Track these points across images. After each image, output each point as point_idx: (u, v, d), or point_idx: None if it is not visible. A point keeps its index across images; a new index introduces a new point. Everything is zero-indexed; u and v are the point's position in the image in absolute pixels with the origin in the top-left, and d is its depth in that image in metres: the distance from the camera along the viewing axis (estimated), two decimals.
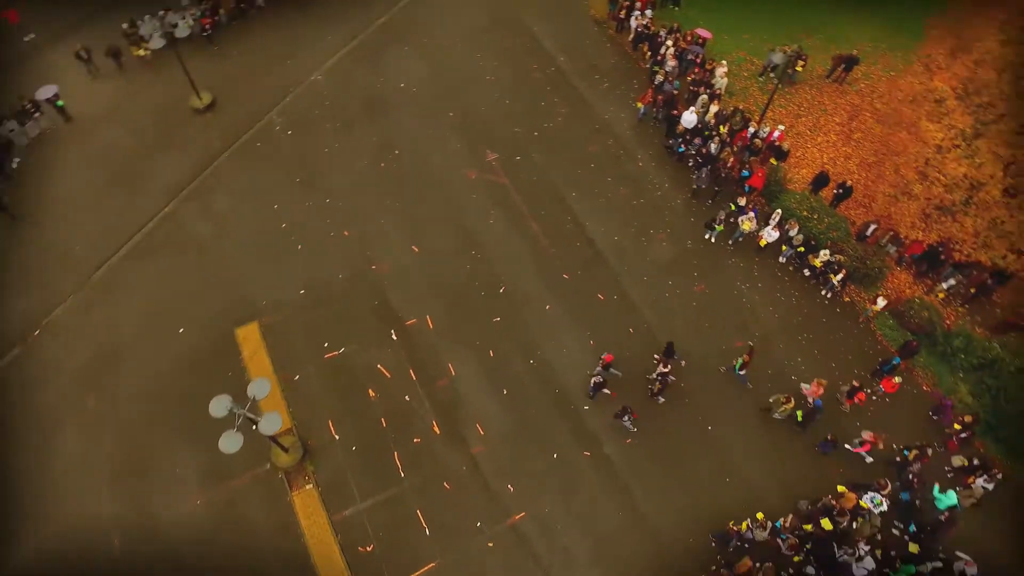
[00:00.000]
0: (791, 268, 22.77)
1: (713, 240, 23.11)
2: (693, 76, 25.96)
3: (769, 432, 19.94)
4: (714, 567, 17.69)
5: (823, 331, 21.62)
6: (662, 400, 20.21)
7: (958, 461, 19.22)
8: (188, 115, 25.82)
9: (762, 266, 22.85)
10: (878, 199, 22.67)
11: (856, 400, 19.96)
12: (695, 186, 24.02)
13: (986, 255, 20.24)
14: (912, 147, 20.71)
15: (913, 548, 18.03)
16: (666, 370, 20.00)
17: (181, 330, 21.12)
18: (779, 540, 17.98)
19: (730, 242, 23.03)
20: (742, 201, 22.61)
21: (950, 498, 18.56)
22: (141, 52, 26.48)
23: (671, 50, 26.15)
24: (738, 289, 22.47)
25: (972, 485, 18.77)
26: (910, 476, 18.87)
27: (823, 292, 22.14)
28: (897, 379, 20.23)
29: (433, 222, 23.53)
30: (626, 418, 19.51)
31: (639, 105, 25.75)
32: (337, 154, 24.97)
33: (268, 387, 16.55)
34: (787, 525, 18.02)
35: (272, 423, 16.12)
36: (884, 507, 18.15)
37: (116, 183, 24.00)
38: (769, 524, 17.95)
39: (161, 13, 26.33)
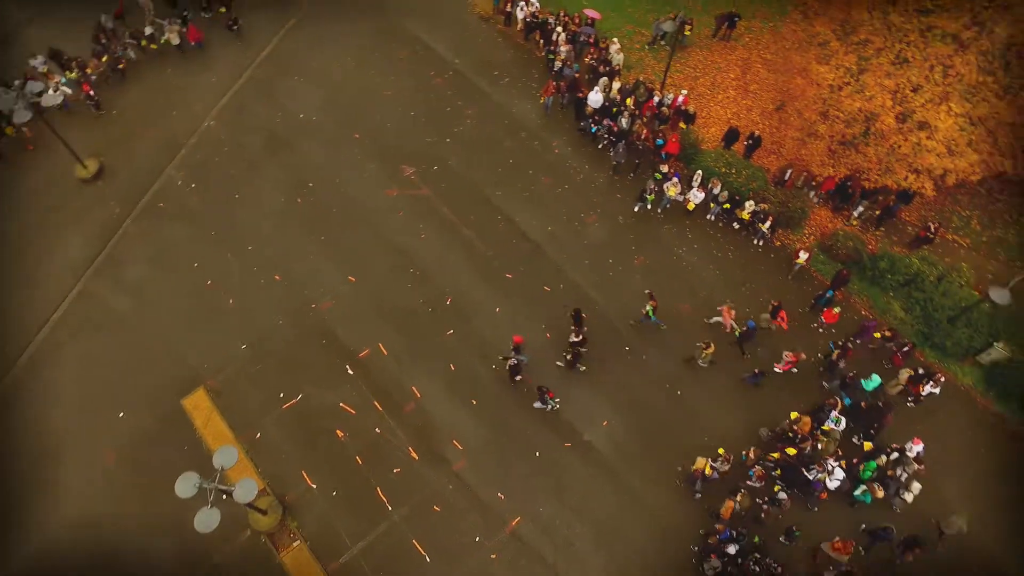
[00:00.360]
0: (721, 224, 23.78)
1: (649, 208, 23.80)
2: (590, 57, 26.57)
3: (727, 379, 20.90)
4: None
5: (762, 277, 22.69)
6: (582, 369, 20.76)
7: (905, 374, 20.64)
8: (76, 187, 24.28)
9: (694, 228, 23.76)
10: (787, 144, 23.98)
11: (780, 319, 21.08)
12: (614, 163, 24.65)
13: (890, 179, 21.71)
14: (809, 90, 22.00)
15: (867, 446, 19.37)
16: (577, 339, 20.44)
17: (121, 414, 19.98)
18: (748, 476, 18.84)
19: (659, 210, 23.80)
20: (664, 168, 23.41)
21: (874, 381, 20.13)
22: (11, 131, 24.58)
23: (563, 35, 26.67)
24: (676, 254, 23.28)
25: (920, 391, 20.27)
26: (844, 378, 20.37)
27: (755, 242, 23.26)
28: (836, 309, 21.51)
29: (364, 248, 23.16)
30: (538, 403, 19.86)
31: (543, 99, 26.12)
32: (249, 199, 24.13)
33: (235, 454, 15.95)
34: (752, 457, 18.94)
35: (248, 490, 15.55)
36: (843, 423, 19.37)
37: (13, 272, 22.34)
38: (731, 457, 18.79)
39: (18, 83, 24.41)
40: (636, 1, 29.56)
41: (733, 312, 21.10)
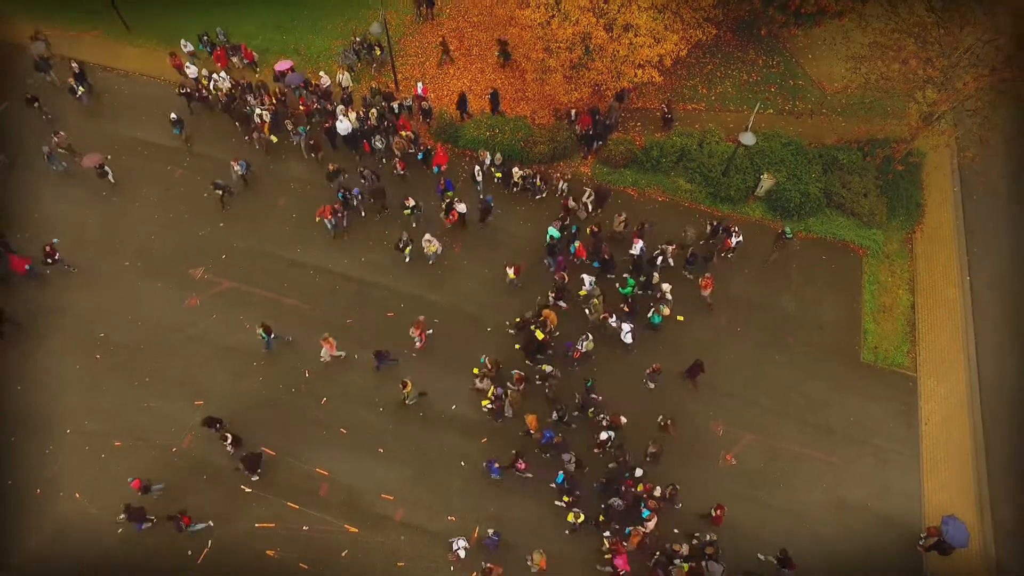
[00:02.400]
0: (506, 192, 25.80)
1: (408, 260, 24.07)
2: (311, 104, 26.90)
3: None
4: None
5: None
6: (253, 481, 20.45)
7: (707, 228, 24.41)
8: None
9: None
10: (530, 86, 26.59)
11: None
12: (394, 173, 25.76)
13: (625, 81, 24.99)
14: (524, 34, 24.59)
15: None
16: (232, 449, 20.29)
17: None
18: (510, 378, 21.36)
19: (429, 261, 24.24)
20: (410, 202, 24.27)
21: (552, 231, 23.43)
22: None
23: (264, 115, 26.16)
24: (488, 229, 25.05)
25: (730, 244, 24.07)
26: (554, 249, 23.65)
27: (536, 197, 25.67)
28: (577, 243, 23.64)
29: (195, 367, 22.33)
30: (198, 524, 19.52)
31: (327, 220, 24.48)
32: (37, 382, 21.90)
33: None
34: (489, 364, 21.36)
35: None
36: (590, 281, 22.52)
37: None
38: (484, 368, 21.34)
39: None
40: (329, 15, 30.54)
41: (332, 341, 21.84)
